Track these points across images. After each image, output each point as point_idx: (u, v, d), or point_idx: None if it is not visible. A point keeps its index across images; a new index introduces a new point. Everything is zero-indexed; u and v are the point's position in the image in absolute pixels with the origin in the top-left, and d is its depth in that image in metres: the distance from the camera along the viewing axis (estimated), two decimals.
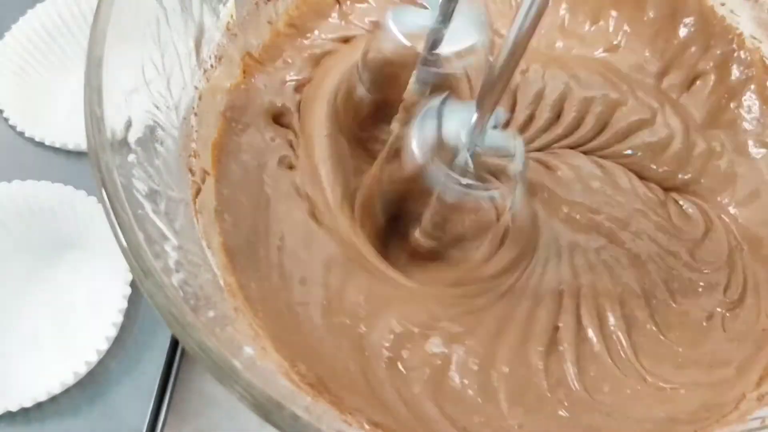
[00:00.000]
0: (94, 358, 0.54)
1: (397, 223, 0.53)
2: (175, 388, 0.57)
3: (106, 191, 0.39)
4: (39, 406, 0.54)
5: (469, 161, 0.44)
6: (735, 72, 0.62)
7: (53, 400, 0.54)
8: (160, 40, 0.49)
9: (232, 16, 0.57)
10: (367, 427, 0.45)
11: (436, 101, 0.46)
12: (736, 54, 0.62)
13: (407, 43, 0.49)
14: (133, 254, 0.38)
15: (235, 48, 0.58)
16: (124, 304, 0.56)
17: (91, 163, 0.40)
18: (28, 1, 0.69)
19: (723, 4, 0.62)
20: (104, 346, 0.55)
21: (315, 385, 0.45)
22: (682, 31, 0.63)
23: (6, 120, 0.65)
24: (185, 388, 0.57)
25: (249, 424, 0.55)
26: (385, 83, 0.54)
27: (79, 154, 0.64)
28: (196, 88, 0.54)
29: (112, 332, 0.55)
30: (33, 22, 0.69)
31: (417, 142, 0.45)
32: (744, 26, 0.62)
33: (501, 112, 0.45)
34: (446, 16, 0.47)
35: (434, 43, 0.49)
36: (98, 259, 0.59)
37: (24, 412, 0.54)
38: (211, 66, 0.56)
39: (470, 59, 0.49)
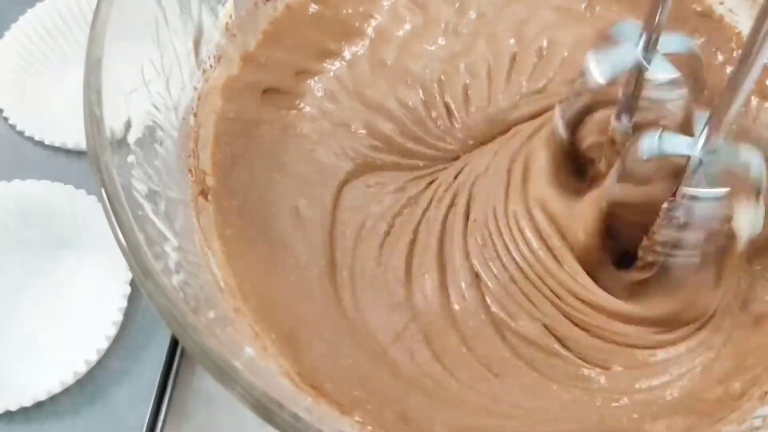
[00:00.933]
0: (93, 357, 0.54)
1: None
2: (175, 388, 0.57)
3: (106, 192, 0.40)
4: (39, 405, 0.54)
5: (701, 175, 0.43)
6: None
7: (53, 399, 0.54)
8: (159, 40, 0.49)
9: (230, 16, 0.57)
10: (369, 428, 0.45)
11: (653, 131, 0.44)
12: (735, 53, 0.62)
13: (601, 83, 0.47)
14: (133, 255, 0.39)
15: (234, 48, 0.58)
16: (124, 303, 0.56)
17: (90, 164, 0.40)
18: (28, 0, 0.69)
19: (721, 3, 0.62)
20: (104, 345, 0.55)
21: (316, 386, 0.45)
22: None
23: (6, 119, 0.65)
24: (185, 388, 0.57)
25: (249, 424, 0.55)
26: (583, 125, 0.52)
27: (78, 153, 0.64)
28: (195, 88, 0.54)
29: (112, 331, 0.55)
30: (33, 22, 0.69)
31: (646, 160, 0.44)
32: (743, 25, 0.62)
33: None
34: (649, 46, 0.45)
35: (638, 77, 0.46)
36: (98, 258, 0.59)
37: (24, 411, 0.54)
38: (211, 66, 0.56)
39: (677, 91, 0.46)
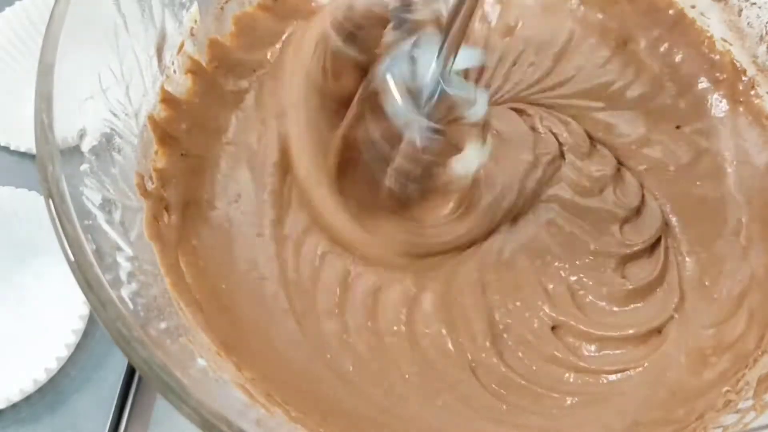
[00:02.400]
0: (54, 366, 0.54)
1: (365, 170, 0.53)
2: (137, 395, 0.57)
3: (53, 203, 0.39)
4: None
5: (434, 103, 0.44)
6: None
7: (13, 407, 0.54)
8: (118, 47, 0.49)
9: (195, 21, 0.56)
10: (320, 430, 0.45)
11: (407, 44, 0.45)
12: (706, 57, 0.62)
13: None
14: (79, 267, 0.38)
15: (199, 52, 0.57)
16: (85, 311, 0.56)
17: (38, 173, 0.40)
18: None
19: (693, 7, 0.62)
20: (64, 353, 0.55)
21: (269, 394, 0.45)
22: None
23: None
24: (147, 395, 0.57)
25: None
26: (365, 41, 0.52)
27: None
28: (158, 94, 0.53)
29: (72, 339, 0.55)
30: (2, 26, 0.68)
31: (386, 83, 0.45)
32: (714, 29, 0.61)
33: (478, 55, 0.45)
34: None
35: None
36: (60, 266, 0.58)
37: None
38: (175, 72, 0.55)
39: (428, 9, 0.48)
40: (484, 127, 0.46)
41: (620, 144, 0.59)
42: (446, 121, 0.46)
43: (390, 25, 0.49)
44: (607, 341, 0.51)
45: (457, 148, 0.50)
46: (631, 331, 0.51)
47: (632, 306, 0.53)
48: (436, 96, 0.44)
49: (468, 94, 0.45)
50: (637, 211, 0.56)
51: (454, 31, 0.40)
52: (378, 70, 0.46)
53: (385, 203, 0.52)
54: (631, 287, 0.53)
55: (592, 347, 0.51)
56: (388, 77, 0.45)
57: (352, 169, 0.52)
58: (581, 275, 0.53)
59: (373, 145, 0.50)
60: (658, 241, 0.56)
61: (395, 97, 0.45)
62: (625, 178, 0.58)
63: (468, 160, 0.49)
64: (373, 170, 0.51)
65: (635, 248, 0.54)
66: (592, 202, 0.56)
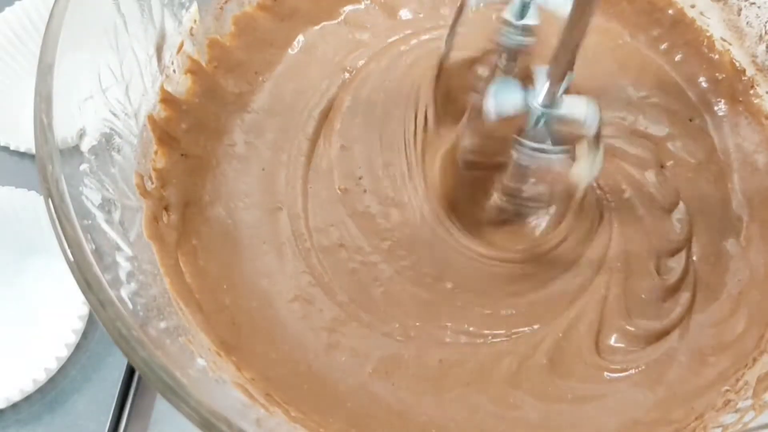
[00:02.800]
0: (54, 366, 0.54)
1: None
2: (137, 395, 0.57)
3: (52, 203, 0.39)
4: None
5: (543, 126, 0.45)
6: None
7: (13, 407, 0.54)
8: (118, 47, 0.49)
9: (195, 21, 0.57)
10: (321, 430, 0.45)
11: (514, 71, 0.47)
12: (706, 56, 0.62)
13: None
14: (79, 267, 0.38)
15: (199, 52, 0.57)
16: (85, 311, 0.56)
17: (38, 173, 0.40)
18: None
19: (693, 6, 0.62)
20: (64, 353, 0.55)
21: (269, 394, 0.45)
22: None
23: None
24: (147, 395, 0.57)
25: None
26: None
27: None
28: (157, 94, 0.53)
29: (72, 339, 0.55)
30: (2, 26, 0.68)
31: (492, 106, 0.45)
32: (714, 28, 0.61)
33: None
34: None
35: (522, 11, 0.48)
36: (60, 265, 0.58)
37: None
38: (174, 71, 0.55)
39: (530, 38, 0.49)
40: (596, 137, 0.46)
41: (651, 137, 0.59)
42: (559, 140, 0.46)
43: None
44: (631, 336, 0.51)
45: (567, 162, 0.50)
46: (657, 328, 0.51)
47: (663, 303, 0.52)
48: (542, 120, 0.45)
49: (577, 114, 0.45)
50: (675, 205, 0.56)
51: (563, 57, 0.40)
52: (484, 95, 0.46)
53: (493, 220, 0.54)
54: (668, 283, 0.53)
55: (612, 338, 0.51)
56: (492, 101, 0.45)
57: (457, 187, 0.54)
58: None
59: (479, 165, 0.52)
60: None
61: (498, 119, 0.45)
62: (663, 172, 0.58)
63: (581, 172, 0.48)
64: (478, 189, 0.54)
65: (675, 244, 0.54)
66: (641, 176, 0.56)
